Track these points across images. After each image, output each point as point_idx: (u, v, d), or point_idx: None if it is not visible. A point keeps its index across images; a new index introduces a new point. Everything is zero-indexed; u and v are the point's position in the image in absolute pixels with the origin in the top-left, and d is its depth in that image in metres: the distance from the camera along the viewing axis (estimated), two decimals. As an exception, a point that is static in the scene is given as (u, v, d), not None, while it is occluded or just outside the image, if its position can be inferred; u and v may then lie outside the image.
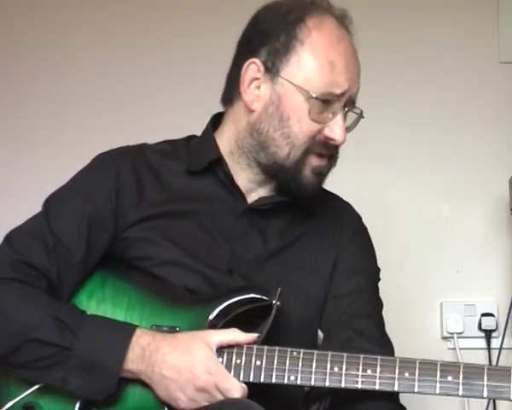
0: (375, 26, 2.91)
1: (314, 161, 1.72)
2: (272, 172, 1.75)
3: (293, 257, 1.76)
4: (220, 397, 1.51)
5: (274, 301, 1.60)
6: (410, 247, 2.86)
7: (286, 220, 1.79)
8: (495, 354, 2.76)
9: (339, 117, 1.69)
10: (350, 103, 1.72)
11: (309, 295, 1.74)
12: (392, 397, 1.66)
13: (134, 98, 2.86)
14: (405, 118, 2.90)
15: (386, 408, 1.64)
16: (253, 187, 1.78)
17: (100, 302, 1.67)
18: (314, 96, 1.68)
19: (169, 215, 1.72)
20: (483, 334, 2.80)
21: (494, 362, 2.75)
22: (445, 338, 2.83)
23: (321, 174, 1.75)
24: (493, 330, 2.80)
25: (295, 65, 1.70)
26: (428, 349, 2.80)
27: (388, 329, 1.82)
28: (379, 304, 1.81)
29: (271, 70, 1.71)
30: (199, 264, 1.68)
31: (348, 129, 1.74)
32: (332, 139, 1.70)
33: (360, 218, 1.90)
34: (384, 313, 1.83)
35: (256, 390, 1.56)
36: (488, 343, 2.80)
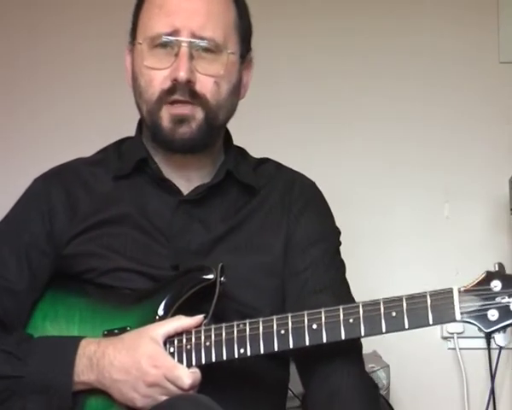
0: (375, 27, 2.92)
1: (170, 110, 1.67)
2: (156, 142, 1.71)
3: (240, 240, 1.70)
4: (172, 388, 1.51)
5: (217, 278, 1.58)
6: (410, 247, 2.85)
7: (228, 204, 1.73)
8: (495, 354, 2.76)
9: (179, 55, 1.64)
10: (196, 39, 1.65)
11: (261, 277, 1.69)
12: (362, 374, 1.65)
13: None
14: (405, 118, 2.90)
15: (358, 385, 1.61)
16: (184, 177, 1.73)
17: (53, 321, 1.67)
18: (144, 43, 1.67)
19: (103, 224, 1.70)
20: (483, 334, 2.79)
21: (494, 362, 2.75)
22: (445, 338, 2.83)
23: (182, 120, 1.66)
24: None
25: (138, 26, 1.71)
26: (428, 349, 2.81)
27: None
28: (339, 270, 1.74)
29: (131, 44, 1.74)
30: (144, 267, 1.66)
31: (202, 65, 1.66)
32: (175, 79, 1.64)
33: (313, 184, 1.81)
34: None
35: (216, 374, 1.55)
36: (488, 343, 2.79)
